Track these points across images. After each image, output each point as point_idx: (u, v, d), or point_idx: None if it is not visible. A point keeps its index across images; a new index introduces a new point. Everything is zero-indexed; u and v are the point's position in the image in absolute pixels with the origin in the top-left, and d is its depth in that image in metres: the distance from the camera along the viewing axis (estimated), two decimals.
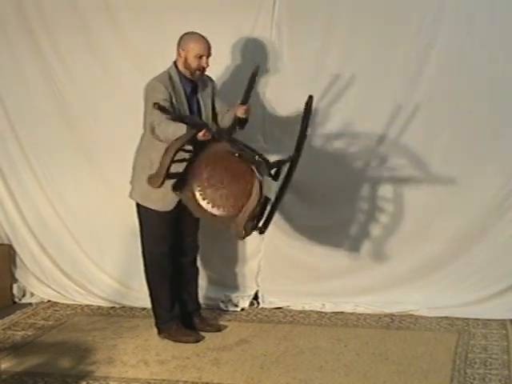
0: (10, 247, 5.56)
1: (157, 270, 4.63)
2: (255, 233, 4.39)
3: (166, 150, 4.18)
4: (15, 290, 5.54)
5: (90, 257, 5.45)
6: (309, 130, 4.50)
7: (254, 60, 4.94)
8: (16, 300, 5.53)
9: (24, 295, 5.57)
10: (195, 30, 4.45)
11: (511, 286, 4.90)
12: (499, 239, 4.90)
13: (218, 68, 4.95)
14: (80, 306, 5.40)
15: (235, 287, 5.32)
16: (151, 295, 4.72)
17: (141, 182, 4.47)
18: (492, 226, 4.90)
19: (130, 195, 4.60)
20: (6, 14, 5.29)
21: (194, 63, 4.42)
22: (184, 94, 4.45)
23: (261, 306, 5.26)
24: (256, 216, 4.26)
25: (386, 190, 5.02)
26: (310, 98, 4.40)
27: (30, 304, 5.47)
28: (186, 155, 4.30)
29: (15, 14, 5.26)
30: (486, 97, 4.81)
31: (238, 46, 5.01)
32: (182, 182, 4.33)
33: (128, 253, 5.26)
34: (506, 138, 4.82)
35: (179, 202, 4.43)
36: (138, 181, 4.53)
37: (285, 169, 4.46)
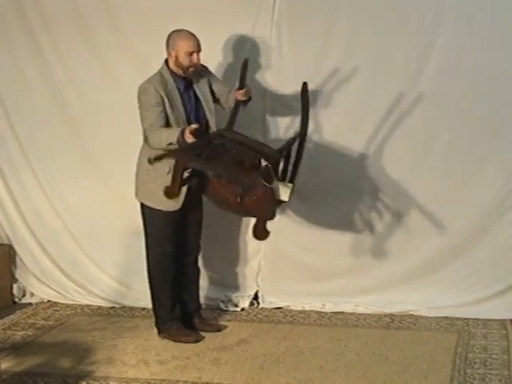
0: (10, 247, 5.56)
1: (159, 270, 4.63)
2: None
3: (175, 164, 4.21)
4: (15, 290, 5.54)
5: (90, 257, 5.45)
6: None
7: (254, 60, 4.96)
8: (16, 300, 5.53)
9: (24, 295, 5.57)
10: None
11: (511, 286, 4.89)
12: (499, 239, 4.90)
13: (217, 68, 4.96)
14: (80, 306, 5.40)
15: (235, 287, 5.32)
16: (152, 295, 4.72)
17: (145, 183, 4.48)
18: (492, 226, 4.90)
19: (136, 196, 4.60)
20: (5, 14, 5.29)
21: (185, 61, 4.40)
22: (178, 92, 4.43)
23: (261, 306, 5.26)
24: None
25: (385, 191, 5.02)
26: (305, 84, 4.37)
27: (30, 304, 5.47)
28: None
29: (15, 14, 5.27)
30: (486, 97, 4.80)
31: (238, 46, 5.01)
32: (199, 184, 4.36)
33: (128, 253, 5.27)
34: (506, 138, 4.82)
35: (185, 201, 4.43)
36: (142, 182, 4.53)
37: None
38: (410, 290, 5.06)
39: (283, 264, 5.20)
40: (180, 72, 4.45)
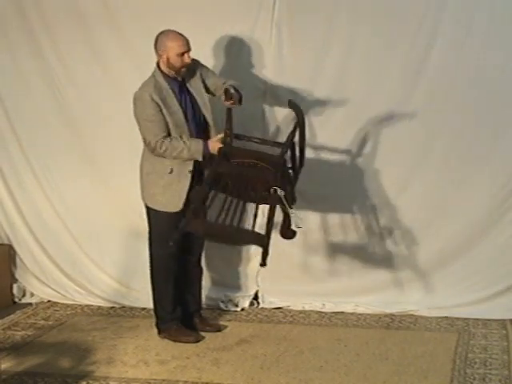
0: (10, 247, 5.56)
1: (163, 271, 4.62)
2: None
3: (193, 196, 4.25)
4: (15, 290, 5.54)
5: (90, 257, 5.44)
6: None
7: (254, 60, 4.96)
8: (16, 300, 5.52)
9: (24, 295, 5.57)
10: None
11: (511, 286, 4.90)
12: (499, 239, 4.90)
13: (217, 68, 4.96)
14: (80, 306, 5.39)
15: (235, 287, 5.32)
16: (154, 296, 4.71)
17: (147, 186, 4.49)
18: (492, 227, 4.90)
19: (142, 198, 4.61)
20: (5, 14, 5.28)
21: (177, 62, 4.38)
22: (174, 95, 4.43)
23: (261, 306, 5.26)
24: None
25: (385, 191, 5.02)
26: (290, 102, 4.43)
27: (30, 304, 5.47)
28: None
29: (15, 14, 5.26)
30: (486, 97, 4.80)
31: (238, 46, 5.01)
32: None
33: (128, 253, 5.27)
34: (506, 138, 4.82)
35: (186, 202, 4.44)
36: (145, 185, 4.54)
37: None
38: (410, 290, 5.07)
39: (283, 264, 5.19)
40: (172, 73, 4.43)
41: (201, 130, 4.51)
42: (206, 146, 4.36)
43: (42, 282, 5.54)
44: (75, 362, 4.37)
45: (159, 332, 4.73)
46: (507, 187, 4.84)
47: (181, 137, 4.39)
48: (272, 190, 4.15)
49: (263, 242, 4.28)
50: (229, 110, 4.37)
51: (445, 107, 4.86)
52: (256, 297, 5.30)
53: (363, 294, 5.11)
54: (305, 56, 4.99)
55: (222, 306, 5.21)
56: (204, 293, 5.09)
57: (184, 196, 4.44)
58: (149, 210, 4.58)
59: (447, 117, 4.87)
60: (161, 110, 4.35)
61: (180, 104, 4.44)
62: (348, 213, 5.09)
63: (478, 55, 4.76)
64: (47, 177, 5.43)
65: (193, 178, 4.45)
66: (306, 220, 5.12)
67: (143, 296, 5.07)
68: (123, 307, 5.32)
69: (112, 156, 5.25)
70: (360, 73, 4.93)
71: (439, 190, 4.95)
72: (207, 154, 4.34)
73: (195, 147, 4.36)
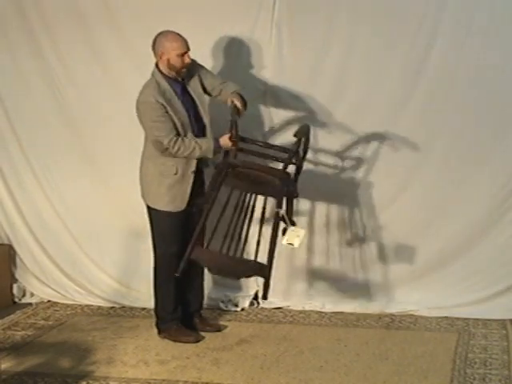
0: (10, 247, 5.56)
1: (165, 271, 4.61)
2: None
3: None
4: (15, 290, 5.54)
5: (90, 257, 5.44)
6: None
7: (253, 60, 4.96)
8: (16, 300, 5.52)
9: (24, 295, 5.57)
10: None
11: (511, 286, 4.90)
12: (499, 239, 4.90)
13: (217, 68, 4.96)
14: (80, 306, 5.39)
15: (235, 287, 5.31)
16: (156, 296, 4.71)
17: (149, 186, 4.50)
18: (492, 227, 4.90)
19: (143, 198, 4.60)
20: (5, 13, 5.28)
21: (178, 63, 4.38)
22: (176, 97, 4.43)
23: (261, 306, 5.26)
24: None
25: (385, 190, 5.02)
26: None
27: (30, 304, 5.47)
28: None
29: (15, 14, 5.26)
30: (486, 97, 4.80)
31: (238, 46, 5.01)
32: None
33: (128, 253, 5.27)
34: (506, 138, 4.82)
35: (189, 202, 4.45)
36: (148, 185, 4.54)
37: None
38: (410, 290, 5.06)
39: (283, 264, 5.19)
40: (173, 74, 4.43)
41: (201, 129, 4.51)
42: (217, 143, 4.38)
43: (42, 281, 5.54)
44: (75, 362, 4.37)
45: (159, 332, 4.73)
46: (507, 187, 4.84)
47: (185, 136, 4.40)
48: (275, 211, 4.27)
49: (265, 273, 4.34)
50: (233, 117, 4.41)
51: (445, 107, 4.86)
52: (256, 297, 5.30)
53: (363, 293, 5.11)
54: (305, 56, 4.99)
55: (221, 306, 5.21)
56: (205, 293, 5.10)
57: (187, 196, 4.45)
58: (150, 210, 4.58)
59: (447, 117, 4.87)
60: (167, 112, 4.35)
61: (183, 104, 4.44)
62: (348, 212, 5.09)
63: (478, 55, 4.76)
64: (47, 177, 5.43)
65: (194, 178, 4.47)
66: (306, 220, 5.15)
67: (143, 296, 5.07)
68: (123, 307, 5.32)
69: (112, 156, 5.25)
70: (360, 73, 4.93)
71: (439, 190, 4.95)
72: (218, 151, 4.38)
73: (206, 145, 4.39)
